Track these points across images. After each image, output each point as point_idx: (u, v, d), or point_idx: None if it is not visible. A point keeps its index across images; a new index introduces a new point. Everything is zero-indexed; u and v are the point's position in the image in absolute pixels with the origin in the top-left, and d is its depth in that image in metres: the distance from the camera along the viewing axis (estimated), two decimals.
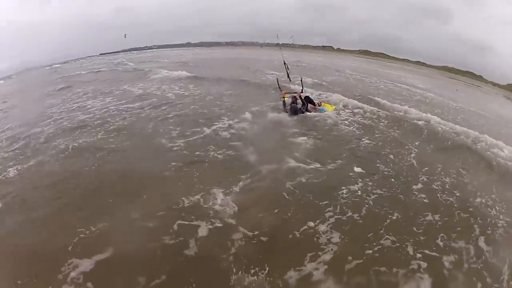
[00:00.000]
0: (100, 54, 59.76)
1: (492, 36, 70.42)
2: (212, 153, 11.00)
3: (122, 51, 63.76)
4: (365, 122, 15.42)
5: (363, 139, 13.01)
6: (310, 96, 17.15)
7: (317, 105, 16.68)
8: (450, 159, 12.02)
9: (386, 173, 10.25)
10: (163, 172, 9.66)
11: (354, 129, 14.29)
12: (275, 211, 7.92)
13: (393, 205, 8.32)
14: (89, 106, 17.70)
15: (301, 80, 17.40)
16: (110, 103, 18.03)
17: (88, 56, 56.44)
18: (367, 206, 8.24)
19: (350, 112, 16.79)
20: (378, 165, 10.75)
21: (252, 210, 7.92)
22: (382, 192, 8.93)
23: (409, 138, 13.57)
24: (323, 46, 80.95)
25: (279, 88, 17.61)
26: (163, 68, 30.91)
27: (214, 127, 13.39)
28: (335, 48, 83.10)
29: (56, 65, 46.06)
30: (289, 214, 7.79)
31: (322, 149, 11.80)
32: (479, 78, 65.95)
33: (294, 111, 15.72)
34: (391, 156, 11.51)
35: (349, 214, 7.86)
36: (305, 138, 12.63)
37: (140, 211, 7.64)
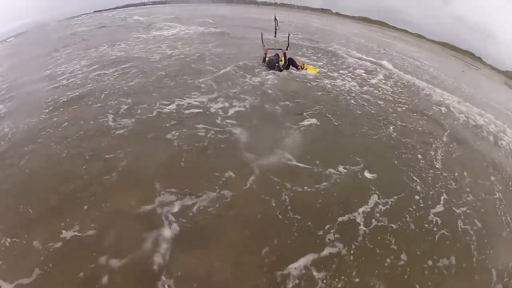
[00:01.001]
0: (95, 11, 54.13)
1: (492, 21, 65.94)
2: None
3: (116, 8, 58.60)
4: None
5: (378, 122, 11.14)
6: (293, 58, 16.03)
7: (300, 68, 15.81)
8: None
9: (407, 187, 8.01)
10: None
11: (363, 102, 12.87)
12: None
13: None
14: None
15: (288, 36, 15.35)
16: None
17: (84, 14, 50.50)
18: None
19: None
20: (398, 171, 8.60)
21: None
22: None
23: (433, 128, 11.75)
24: (322, 9, 75.78)
25: (262, 43, 15.64)
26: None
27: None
28: (333, 11, 78.09)
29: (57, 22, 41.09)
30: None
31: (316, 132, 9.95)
32: (479, 59, 62.71)
33: (271, 66, 15.08)
34: (413, 157, 9.42)
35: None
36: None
37: None
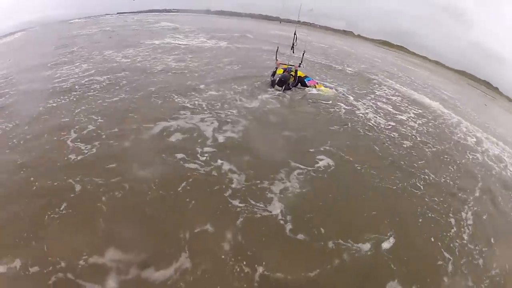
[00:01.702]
0: (118, 13, 53.11)
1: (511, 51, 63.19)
2: None
3: (139, 11, 57.62)
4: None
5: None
6: (305, 78, 14.72)
7: (313, 87, 14.43)
8: None
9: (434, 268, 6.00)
10: None
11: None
12: None
13: None
14: None
15: (303, 53, 14.45)
16: None
17: (107, 14, 49.64)
18: None
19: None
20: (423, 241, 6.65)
21: None
22: None
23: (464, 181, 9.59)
24: (344, 31, 73.67)
25: (275, 57, 14.55)
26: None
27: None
28: (355, 34, 76.02)
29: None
30: None
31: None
32: (495, 90, 59.79)
33: (280, 82, 13.43)
34: (440, 220, 7.38)
35: None
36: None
37: None
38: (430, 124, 13.81)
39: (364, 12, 72.88)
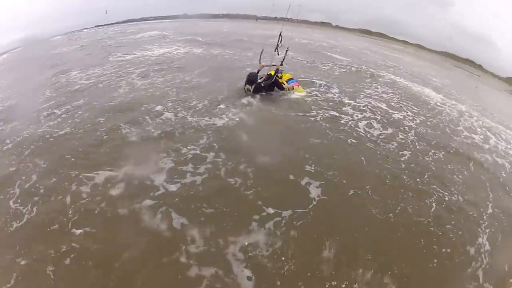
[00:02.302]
0: (96, 25, 50.41)
1: (490, 28, 62.05)
2: None
3: (116, 23, 54.79)
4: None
5: None
6: (289, 81, 13.31)
7: (287, 89, 12.99)
8: None
9: None
10: None
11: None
12: None
13: None
14: None
15: (286, 51, 12.88)
16: None
17: (86, 28, 46.90)
18: None
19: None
20: None
21: None
22: None
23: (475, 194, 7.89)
24: (322, 22, 71.73)
25: (259, 60, 13.11)
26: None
27: None
28: (333, 25, 74.17)
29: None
30: None
31: None
32: (479, 67, 58.65)
33: (250, 81, 12.01)
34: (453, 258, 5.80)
35: None
36: None
37: None
38: (429, 123, 12.02)
39: (341, 3, 71.22)
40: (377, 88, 15.45)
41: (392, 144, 9.58)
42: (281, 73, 13.17)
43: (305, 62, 20.25)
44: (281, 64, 12.89)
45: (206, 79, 14.24)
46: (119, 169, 7.11)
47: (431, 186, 7.74)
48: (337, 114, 11.20)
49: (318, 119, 10.61)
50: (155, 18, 59.95)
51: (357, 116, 11.25)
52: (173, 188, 6.57)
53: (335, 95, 13.18)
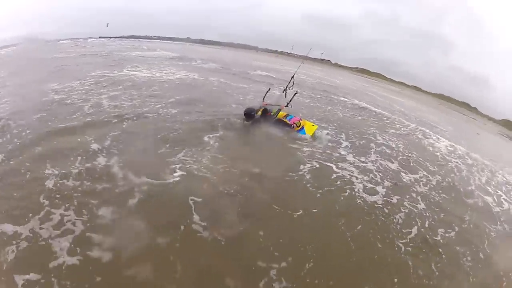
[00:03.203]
0: (100, 37, 49.46)
1: (487, 70, 61.90)
2: None
3: (121, 37, 53.91)
4: None
5: None
6: (286, 117, 11.69)
7: (295, 126, 11.24)
8: None
9: None
10: None
11: None
12: None
13: None
14: None
15: (295, 94, 12.02)
16: None
17: (90, 37, 46.28)
18: None
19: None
20: None
21: None
22: None
23: None
24: (322, 60, 71.06)
25: (263, 98, 12.10)
26: None
27: None
28: (332, 62, 73.51)
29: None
30: None
31: None
32: (474, 110, 57.73)
33: (247, 115, 10.94)
34: None
35: None
36: None
37: None
38: (440, 186, 9.78)
39: (341, 42, 71.11)
40: (384, 137, 13.18)
41: (398, 217, 7.37)
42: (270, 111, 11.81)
43: (308, 101, 18.02)
44: (287, 105, 11.72)
45: (176, 110, 11.78)
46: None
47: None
48: (335, 169, 9.00)
49: (318, 173, 8.55)
50: (159, 38, 58.74)
51: (359, 175, 8.98)
52: None
53: (340, 147, 10.89)
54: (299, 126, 11.16)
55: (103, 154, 7.52)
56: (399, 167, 10.28)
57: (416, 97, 44.78)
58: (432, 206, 8.28)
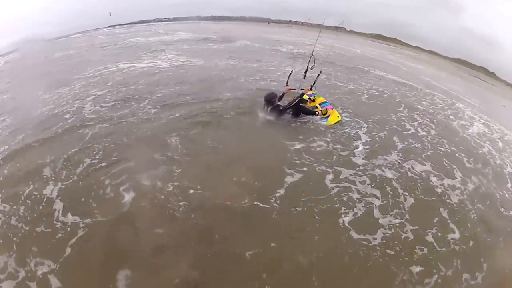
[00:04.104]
0: (109, 26, 46.98)
1: (503, 33, 56.94)
2: None
3: (131, 23, 51.25)
4: None
5: None
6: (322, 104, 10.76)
7: (321, 112, 10.24)
8: None
9: None
10: None
11: None
12: None
13: None
14: None
15: (319, 74, 11.27)
16: None
17: (99, 28, 43.54)
18: None
19: None
20: None
21: None
22: None
23: None
24: (336, 27, 66.86)
25: (286, 83, 11.40)
26: None
27: None
28: (347, 29, 69.36)
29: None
30: None
31: None
32: (493, 75, 53.85)
33: (267, 101, 9.77)
34: None
35: None
36: None
37: None
38: (478, 192, 7.97)
39: (354, 7, 66.54)
40: (412, 123, 11.62)
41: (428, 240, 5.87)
42: (314, 96, 11.06)
43: (324, 78, 16.23)
44: (311, 89, 10.94)
45: (155, 110, 10.64)
46: None
47: None
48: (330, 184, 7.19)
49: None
50: (169, 20, 56.39)
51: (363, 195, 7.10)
52: None
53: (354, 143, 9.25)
54: (325, 114, 10.18)
55: (51, 182, 6.60)
56: (428, 169, 8.43)
57: (434, 63, 41.78)
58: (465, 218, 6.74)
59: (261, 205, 6.15)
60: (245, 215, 5.95)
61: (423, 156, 9.04)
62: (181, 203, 6.08)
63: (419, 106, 14.02)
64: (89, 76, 15.02)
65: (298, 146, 8.50)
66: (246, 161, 7.67)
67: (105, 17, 47.62)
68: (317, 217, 6.01)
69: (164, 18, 56.46)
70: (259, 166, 7.46)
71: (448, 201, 7.26)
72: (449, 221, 6.51)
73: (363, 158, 8.23)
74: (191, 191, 6.42)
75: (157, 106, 10.75)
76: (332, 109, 10.54)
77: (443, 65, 44.56)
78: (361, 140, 9.35)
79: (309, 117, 10.16)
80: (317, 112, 10.19)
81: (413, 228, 6.03)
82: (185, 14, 57.28)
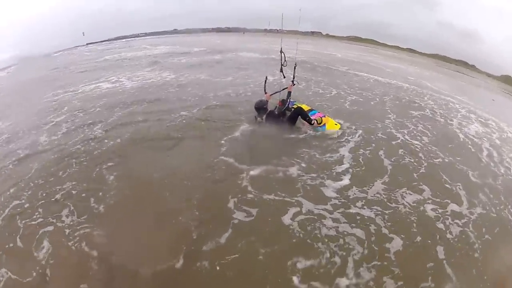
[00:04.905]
0: (87, 43, 45.75)
1: (479, 25, 56.86)
2: None
3: (108, 40, 49.92)
4: None
5: None
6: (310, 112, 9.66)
7: (316, 122, 9.01)
8: None
9: None
10: None
11: None
12: None
13: None
14: None
15: (295, 68, 9.66)
16: None
17: (78, 46, 42.96)
18: None
19: None
20: None
21: None
22: None
23: None
24: (312, 32, 65.94)
25: (264, 90, 9.83)
26: None
27: None
28: (323, 34, 68.80)
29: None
30: None
31: None
32: (473, 68, 53.28)
33: (258, 109, 8.93)
34: None
35: None
36: None
37: None
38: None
39: (329, 11, 66.15)
40: (403, 131, 9.86)
41: None
42: (294, 104, 9.99)
43: (304, 87, 14.54)
44: (293, 84, 9.69)
45: (116, 138, 8.75)
46: None
47: None
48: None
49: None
50: (146, 34, 54.82)
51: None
52: None
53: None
54: (321, 123, 9.10)
55: None
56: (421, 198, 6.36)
57: (414, 61, 40.67)
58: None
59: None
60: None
61: (415, 176, 7.25)
62: None
63: (407, 109, 12.39)
64: (54, 99, 13.43)
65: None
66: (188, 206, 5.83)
67: (80, 36, 46.18)
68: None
69: (141, 33, 54.86)
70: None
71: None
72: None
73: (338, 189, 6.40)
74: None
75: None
76: (324, 116, 9.49)
77: (423, 62, 43.47)
78: (343, 162, 7.59)
79: (306, 125, 9.05)
80: (313, 122, 9.03)
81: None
82: (161, 28, 56.30)
